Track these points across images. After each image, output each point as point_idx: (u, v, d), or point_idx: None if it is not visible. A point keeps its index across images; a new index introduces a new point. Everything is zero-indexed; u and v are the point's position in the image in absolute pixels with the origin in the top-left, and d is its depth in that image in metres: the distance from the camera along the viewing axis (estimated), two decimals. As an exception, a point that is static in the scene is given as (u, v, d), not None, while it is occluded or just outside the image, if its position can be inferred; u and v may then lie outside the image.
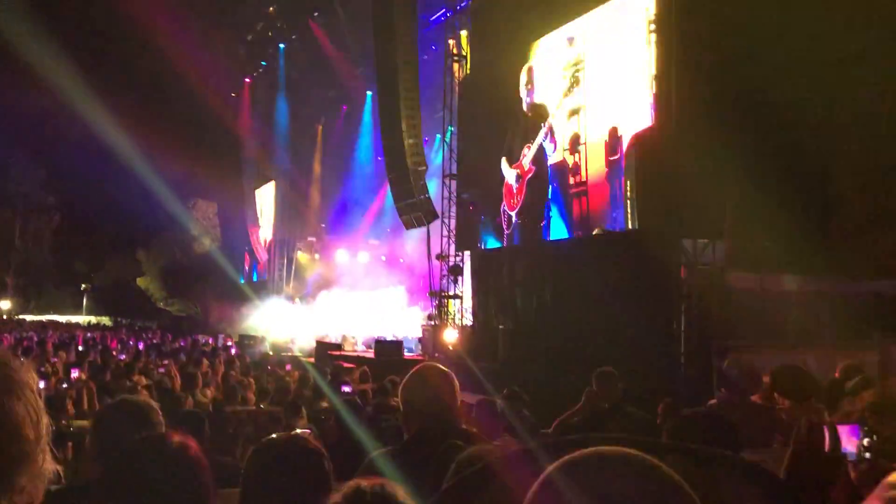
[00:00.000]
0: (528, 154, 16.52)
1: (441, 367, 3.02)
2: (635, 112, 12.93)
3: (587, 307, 13.42)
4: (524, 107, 16.91)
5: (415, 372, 2.94)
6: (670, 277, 11.65)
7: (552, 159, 15.73)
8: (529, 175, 16.53)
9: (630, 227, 13.00)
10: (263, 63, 31.16)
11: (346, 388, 8.85)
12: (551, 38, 15.87)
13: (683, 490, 0.95)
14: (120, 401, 3.00)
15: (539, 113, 16.36)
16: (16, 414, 1.17)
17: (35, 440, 1.19)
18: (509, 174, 17.32)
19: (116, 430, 2.54)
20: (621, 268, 12.56)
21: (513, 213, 17.14)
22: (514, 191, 17.10)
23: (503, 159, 17.53)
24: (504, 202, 17.46)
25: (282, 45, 29.34)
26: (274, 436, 2.18)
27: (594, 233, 13.99)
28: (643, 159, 12.62)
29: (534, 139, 16.29)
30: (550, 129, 15.69)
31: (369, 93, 26.80)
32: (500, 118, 17.75)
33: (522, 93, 16.95)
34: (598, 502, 0.92)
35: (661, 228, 11.96)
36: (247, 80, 33.16)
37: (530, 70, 16.79)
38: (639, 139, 12.72)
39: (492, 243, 18.20)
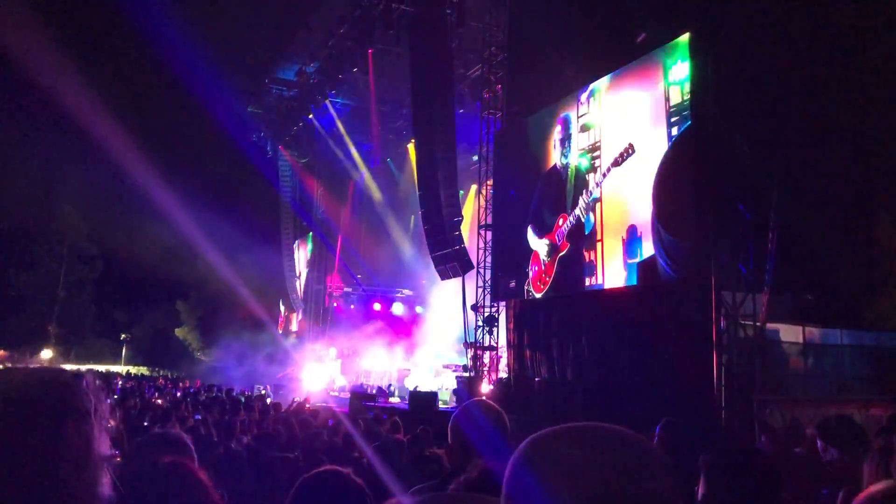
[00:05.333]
0: (563, 226, 14.84)
1: (490, 402, 2.82)
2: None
3: (624, 358, 13.26)
4: (557, 165, 15.51)
5: (463, 407, 2.77)
6: (710, 329, 11.51)
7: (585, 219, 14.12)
8: (563, 252, 14.83)
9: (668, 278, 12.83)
10: (302, 119, 31.79)
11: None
12: (588, 91, 14.75)
13: (656, 454, 0.97)
14: (153, 433, 3.09)
15: (579, 176, 14.55)
16: (75, 437, 1.17)
17: (95, 464, 1.19)
18: (539, 245, 15.73)
19: (148, 460, 2.58)
20: (660, 319, 12.41)
21: (539, 295, 15.78)
22: (544, 268, 15.42)
23: (529, 228, 16.18)
24: (529, 280, 16.06)
25: (323, 100, 29.93)
26: (321, 469, 2.21)
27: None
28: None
29: (572, 207, 14.60)
30: (591, 194, 13.96)
31: (407, 145, 27.29)
32: (530, 177, 16.53)
33: (555, 153, 15.51)
34: (572, 473, 0.93)
35: (700, 280, 11.84)
36: (287, 134, 33.79)
37: (566, 122, 15.35)
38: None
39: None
